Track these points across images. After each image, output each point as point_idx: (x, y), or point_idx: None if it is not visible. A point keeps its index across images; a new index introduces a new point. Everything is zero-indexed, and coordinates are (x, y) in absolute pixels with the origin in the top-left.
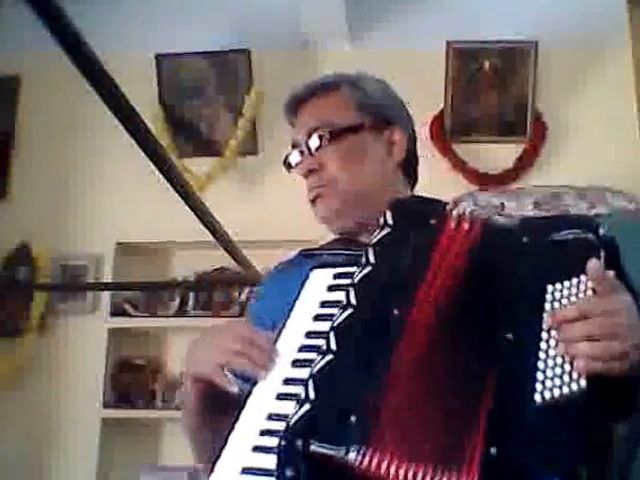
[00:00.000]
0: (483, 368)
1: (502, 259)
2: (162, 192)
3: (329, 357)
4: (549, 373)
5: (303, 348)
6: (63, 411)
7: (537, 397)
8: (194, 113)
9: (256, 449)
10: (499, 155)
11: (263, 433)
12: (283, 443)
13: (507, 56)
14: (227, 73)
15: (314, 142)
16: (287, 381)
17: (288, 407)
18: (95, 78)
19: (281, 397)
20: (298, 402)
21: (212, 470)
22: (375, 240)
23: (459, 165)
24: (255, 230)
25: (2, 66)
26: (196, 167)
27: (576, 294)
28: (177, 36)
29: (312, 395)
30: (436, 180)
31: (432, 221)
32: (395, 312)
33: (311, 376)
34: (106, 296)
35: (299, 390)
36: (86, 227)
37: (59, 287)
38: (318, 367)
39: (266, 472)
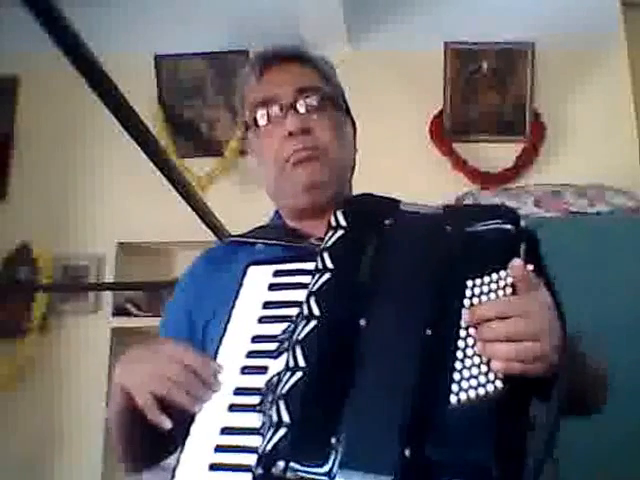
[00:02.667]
0: (406, 367)
1: (424, 248)
2: (163, 192)
3: (298, 375)
4: (465, 373)
5: (250, 354)
6: (66, 412)
7: (452, 398)
8: (194, 113)
9: (212, 467)
10: (499, 154)
11: (218, 449)
12: (259, 469)
13: (505, 57)
14: (226, 74)
15: (306, 102)
16: (238, 391)
17: (240, 419)
18: (94, 79)
19: (233, 409)
20: (270, 425)
21: None
22: (330, 243)
23: (459, 164)
24: None
25: (1, 67)
26: (196, 167)
27: (495, 290)
28: (176, 37)
29: (286, 418)
30: (437, 180)
31: (387, 222)
32: (362, 323)
33: (281, 397)
34: (108, 296)
35: (251, 400)
36: (87, 227)
37: (60, 287)
38: (288, 387)
39: None
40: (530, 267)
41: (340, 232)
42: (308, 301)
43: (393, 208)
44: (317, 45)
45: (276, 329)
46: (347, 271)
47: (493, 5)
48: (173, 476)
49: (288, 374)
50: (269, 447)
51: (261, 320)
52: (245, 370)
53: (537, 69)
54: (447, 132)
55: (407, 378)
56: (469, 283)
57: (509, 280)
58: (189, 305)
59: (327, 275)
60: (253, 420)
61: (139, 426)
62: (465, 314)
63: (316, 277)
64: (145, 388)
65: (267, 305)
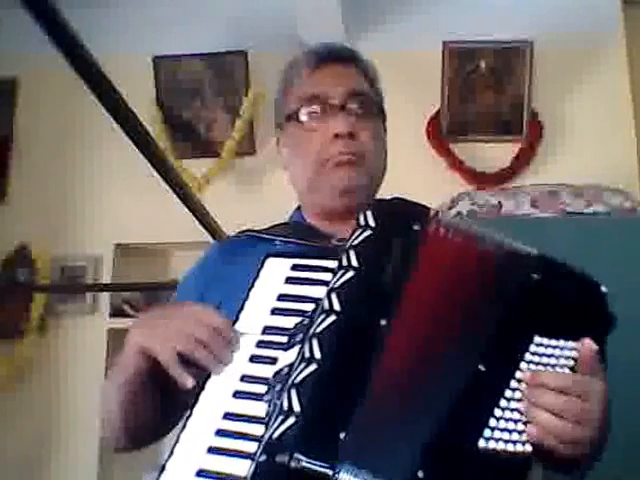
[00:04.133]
0: (442, 389)
1: (502, 285)
2: (160, 193)
3: (313, 367)
4: (502, 424)
5: (260, 343)
6: (64, 412)
7: (482, 442)
8: (192, 114)
9: (211, 450)
10: (496, 154)
11: (219, 433)
12: (262, 456)
13: (503, 56)
14: (224, 75)
15: (355, 106)
16: (244, 378)
17: (245, 406)
18: (93, 80)
19: (238, 395)
20: (280, 413)
21: (163, 469)
22: (356, 242)
23: (456, 164)
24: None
25: (0, 69)
26: (194, 168)
27: (558, 357)
28: (174, 38)
29: (297, 408)
30: (433, 179)
31: (415, 227)
32: (382, 323)
33: (293, 386)
34: (105, 297)
35: (257, 388)
36: (85, 228)
37: (58, 288)
38: (301, 377)
39: (223, 477)
40: (596, 348)
41: (368, 232)
42: (329, 296)
43: (422, 214)
44: (315, 45)
45: (288, 322)
46: (372, 271)
47: (491, 4)
48: (171, 453)
49: (302, 365)
50: (276, 434)
51: (274, 312)
52: (254, 359)
53: (535, 68)
54: (444, 132)
55: (441, 400)
56: (537, 338)
57: (574, 354)
58: (200, 288)
59: (351, 273)
60: (256, 408)
61: (147, 395)
62: (525, 371)
63: (339, 274)
64: (169, 344)
65: (282, 297)
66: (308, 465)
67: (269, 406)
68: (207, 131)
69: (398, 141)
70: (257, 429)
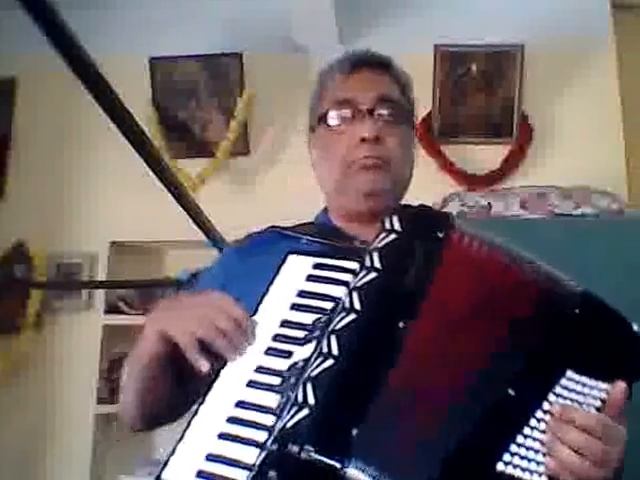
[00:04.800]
0: (471, 407)
1: (540, 312)
2: (155, 192)
3: (330, 362)
4: (522, 451)
5: (277, 337)
6: (58, 406)
7: (500, 465)
8: (187, 115)
9: (222, 436)
10: (486, 156)
11: (230, 420)
12: (273, 445)
13: (494, 59)
14: (219, 76)
15: (383, 111)
16: (259, 369)
17: (257, 395)
18: (90, 81)
19: (251, 385)
20: (294, 405)
21: (173, 452)
22: (380, 245)
23: (447, 166)
24: (246, 229)
25: None
26: (189, 168)
27: (586, 395)
28: (170, 40)
29: (311, 400)
30: (424, 181)
31: (439, 234)
32: (400, 325)
33: (309, 379)
34: (100, 294)
35: (271, 380)
36: (81, 226)
37: (54, 285)
38: (318, 371)
39: (231, 462)
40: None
41: (393, 236)
42: (350, 294)
43: (446, 222)
44: (309, 47)
45: (306, 318)
46: (394, 273)
47: (483, 8)
48: (182, 437)
49: (319, 359)
50: (289, 425)
51: (293, 307)
52: (269, 351)
53: (526, 72)
54: (435, 134)
55: (463, 414)
56: (569, 373)
57: (604, 395)
58: (221, 280)
59: (373, 274)
60: (269, 399)
61: (164, 379)
62: (553, 403)
63: (362, 274)
64: (189, 329)
65: (302, 294)
66: (317, 457)
67: (282, 397)
68: (202, 131)
69: None
70: (268, 419)
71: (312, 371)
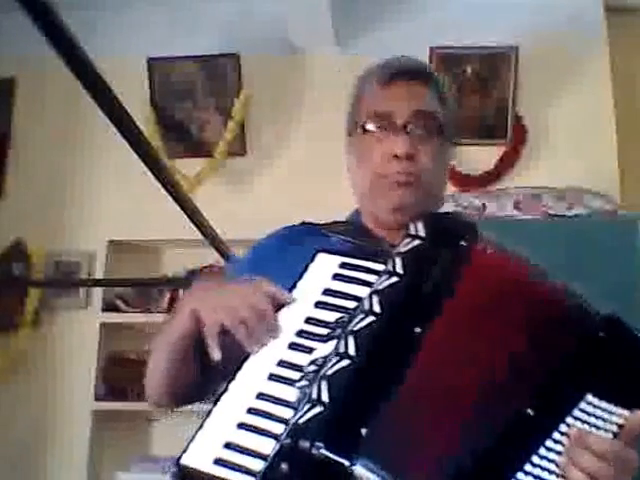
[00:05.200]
0: (485, 422)
1: (564, 332)
2: (153, 192)
3: (346, 362)
4: (536, 471)
5: (301, 333)
6: (56, 403)
7: None
8: (184, 115)
9: (241, 426)
10: (480, 157)
11: (250, 411)
12: (287, 439)
13: (488, 61)
14: (217, 77)
15: (418, 127)
16: (281, 363)
17: (278, 389)
18: (89, 81)
19: (273, 378)
20: (308, 401)
21: (193, 438)
22: (404, 250)
23: None
24: (243, 229)
25: None
26: (186, 168)
27: (604, 420)
28: (168, 41)
29: (325, 398)
30: None
31: (462, 243)
32: (417, 330)
33: (325, 377)
34: (98, 292)
35: (291, 374)
36: (79, 225)
37: (53, 283)
38: (333, 370)
39: (248, 452)
40: None
41: (417, 242)
42: (371, 297)
43: (471, 231)
44: (306, 48)
45: (329, 316)
46: (415, 279)
47: (477, 11)
48: (202, 424)
49: (336, 358)
50: (302, 421)
51: (317, 304)
52: (292, 345)
53: (520, 73)
54: None
55: (477, 428)
56: (589, 397)
57: (621, 421)
58: (252, 268)
59: (395, 278)
60: (288, 393)
61: (192, 358)
62: (571, 425)
63: (383, 278)
64: (215, 316)
65: (327, 292)
66: (327, 454)
67: (300, 393)
68: (199, 132)
69: None
70: (286, 412)
71: (328, 370)
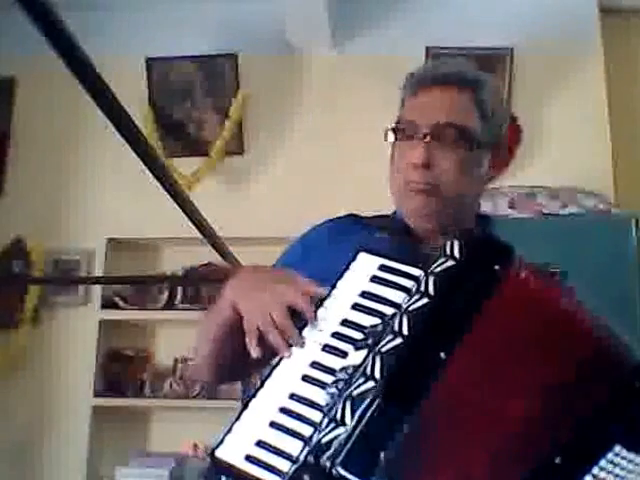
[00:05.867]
0: (508, 463)
1: (598, 377)
2: (151, 190)
3: (370, 384)
4: None
5: (335, 335)
6: (56, 399)
7: None
8: (183, 114)
9: (273, 424)
10: None
11: (282, 410)
12: (309, 456)
13: (484, 62)
14: (215, 76)
15: (440, 137)
16: (314, 364)
17: (309, 391)
18: (88, 80)
19: (306, 379)
20: (332, 420)
21: (230, 430)
22: (437, 270)
23: None
24: (240, 227)
25: None
26: (184, 166)
27: (631, 471)
28: (167, 41)
29: (348, 420)
30: None
31: (496, 267)
32: (442, 356)
33: (349, 398)
34: (97, 289)
35: (323, 377)
36: (78, 223)
37: (52, 280)
38: (358, 392)
39: (277, 451)
40: None
41: (450, 262)
42: (400, 318)
43: (507, 255)
44: (303, 49)
45: (365, 320)
46: (445, 302)
47: (473, 12)
48: (238, 417)
49: (362, 379)
50: (324, 440)
51: (354, 306)
52: (326, 347)
53: (515, 74)
54: None
55: (500, 469)
56: (617, 447)
57: None
58: (299, 261)
59: (425, 299)
60: (319, 396)
61: (232, 341)
62: (597, 476)
63: (415, 297)
64: (252, 317)
65: (364, 294)
66: (344, 474)
67: (331, 398)
68: (197, 131)
69: (382, 142)
70: (316, 415)
71: (353, 390)
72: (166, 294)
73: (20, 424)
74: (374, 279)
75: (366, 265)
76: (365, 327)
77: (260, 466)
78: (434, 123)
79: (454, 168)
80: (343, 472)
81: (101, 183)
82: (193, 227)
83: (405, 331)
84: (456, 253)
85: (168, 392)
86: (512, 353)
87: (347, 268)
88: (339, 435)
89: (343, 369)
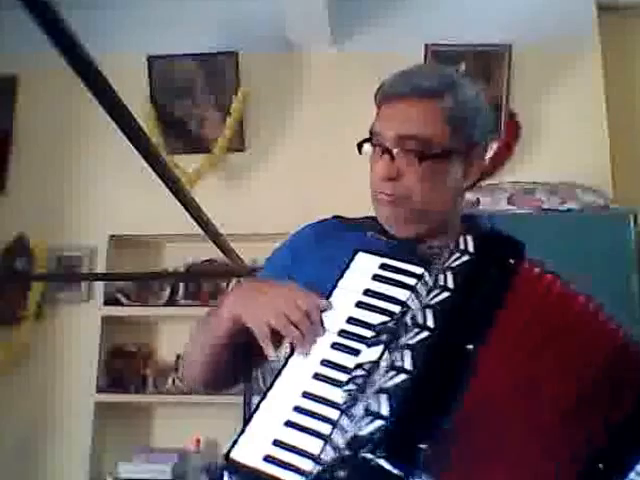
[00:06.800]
0: (549, 458)
1: (623, 372)
2: (153, 187)
3: (403, 376)
4: None
5: (343, 332)
6: (58, 395)
7: None
8: (184, 112)
9: (288, 423)
10: None
11: (297, 409)
12: (347, 450)
13: (482, 59)
14: (215, 74)
15: (403, 151)
16: (324, 362)
17: (322, 388)
18: (89, 78)
19: (318, 377)
20: (369, 414)
21: (242, 432)
22: (454, 265)
23: None
24: (241, 223)
25: (1, 67)
26: (185, 163)
27: None
28: (168, 39)
29: (385, 412)
30: None
31: (511, 261)
32: (469, 347)
33: (383, 390)
34: (100, 286)
35: (335, 374)
36: (81, 220)
37: (55, 277)
38: (391, 383)
39: (297, 450)
40: None
41: (466, 257)
42: (424, 311)
43: (517, 249)
44: (303, 46)
45: (371, 317)
46: (465, 295)
47: (472, 9)
48: (250, 419)
49: (393, 372)
50: (363, 433)
51: (359, 304)
52: (335, 345)
53: (513, 71)
54: None
55: (536, 467)
56: None
57: None
58: (288, 266)
59: (446, 293)
60: (334, 394)
61: (227, 354)
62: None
63: (435, 292)
64: (263, 319)
65: (368, 292)
66: (388, 466)
67: (349, 395)
68: (198, 128)
69: None
70: (332, 413)
71: (385, 383)
72: (168, 290)
73: (23, 420)
74: (376, 277)
75: (366, 264)
76: (371, 324)
77: (280, 466)
78: (397, 135)
79: (420, 179)
80: (386, 464)
81: (103, 180)
82: (195, 224)
83: (430, 324)
84: (470, 248)
85: (170, 388)
86: (536, 341)
87: (347, 268)
88: (379, 427)
89: (359, 366)
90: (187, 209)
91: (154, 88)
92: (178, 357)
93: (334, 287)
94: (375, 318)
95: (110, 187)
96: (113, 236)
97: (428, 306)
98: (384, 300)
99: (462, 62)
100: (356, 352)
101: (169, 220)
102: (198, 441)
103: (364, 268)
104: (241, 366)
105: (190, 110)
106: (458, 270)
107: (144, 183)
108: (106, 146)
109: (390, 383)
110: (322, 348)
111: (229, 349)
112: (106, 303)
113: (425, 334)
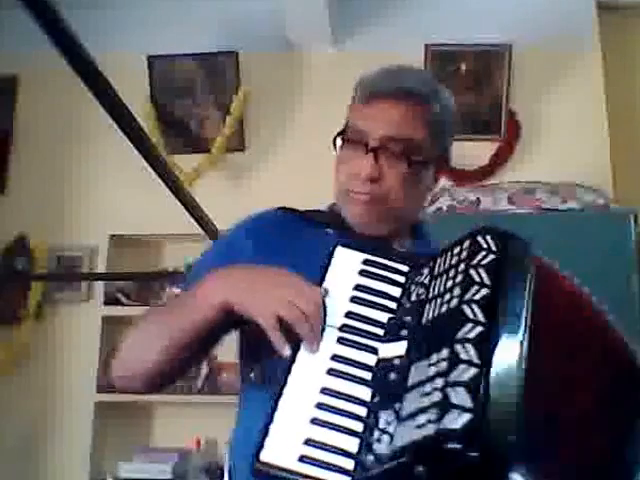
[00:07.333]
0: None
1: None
2: (153, 187)
3: (474, 370)
4: None
5: (344, 327)
6: (59, 395)
7: None
8: (184, 111)
9: (314, 421)
10: (475, 152)
11: (319, 406)
12: (428, 441)
13: (483, 58)
14: (216, 74)
15: (387, 152)
16: (335, 357)
17: (341, 384)
18: (90, 78)
19: (332, 373)
20: (452, 407)
21: (266, 433)
22: (484, 262)
23: None
24: None
25: (1, 67)
26: (185, 163)
27: None
28: (168, 38)
29: (468, 404)
30: None
31: (526, 260)
32: (520, 339)
33: (459, 384)
34: (100, 286)
35: (347, 368)
36: (81, 220)
37: (55, 277)
38: (467, 377)
39: (333, 449)
40: None
41: (492, 256)
42: (470, 306)
43: (528, 249)
44: (303, 46)
45: (368, 312)
46: (502, 293)
47: (472, 8)
48: (271, 421)
49: (462, 366)
50: (452, 426)
51: (353, 299)
52: (340, 340)
53: (514, 70)
54: None
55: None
56: None
57: None
58: (253, 251)
59: (486, 290)
60: (358, 390)
61: (197, 346)
62: None
63: (474, 289)
64: (270, 309)
65: (359, 287)
66: (479, 459)
67: (374, 390)
68: (198, 127)
69: None
70: (356, 408)
71: (459, 376)
72: (169, 290)
73: (23, 420)
74: (363, 273)
75: (349, 260)
76: (371, 319)
77: (318, 466)
78: (383, 136)
79: (401, 180)
80: (477, 456)
81: (103, 180)
82: (195, 223)
83: (482, 319)
84: (492, 247)
85: (171, 387)
86: (563, 345)
87: (329, 263)
88: (468, 420)
89: (381, 361)
90: (187, 209)
91: (154, 88)
92: None
93: (322, 281)
94: (373, 313)
95: (110, 187)
96: (113, 236)
97: (473, 301)
98: (377, 296)
99: (462, 62)
100: (359, 345)
101: (169, 220)
102: (198, 441)
103: (348, 264)
104: (192, 364)
105: (190, 110)
106: (489, 268)
107: (144, 183)
108: (106, 146)
109: (465, 376)
110: (328, 343)
111: (201, 341)
112: (106, 303)
113: (480, 329)
